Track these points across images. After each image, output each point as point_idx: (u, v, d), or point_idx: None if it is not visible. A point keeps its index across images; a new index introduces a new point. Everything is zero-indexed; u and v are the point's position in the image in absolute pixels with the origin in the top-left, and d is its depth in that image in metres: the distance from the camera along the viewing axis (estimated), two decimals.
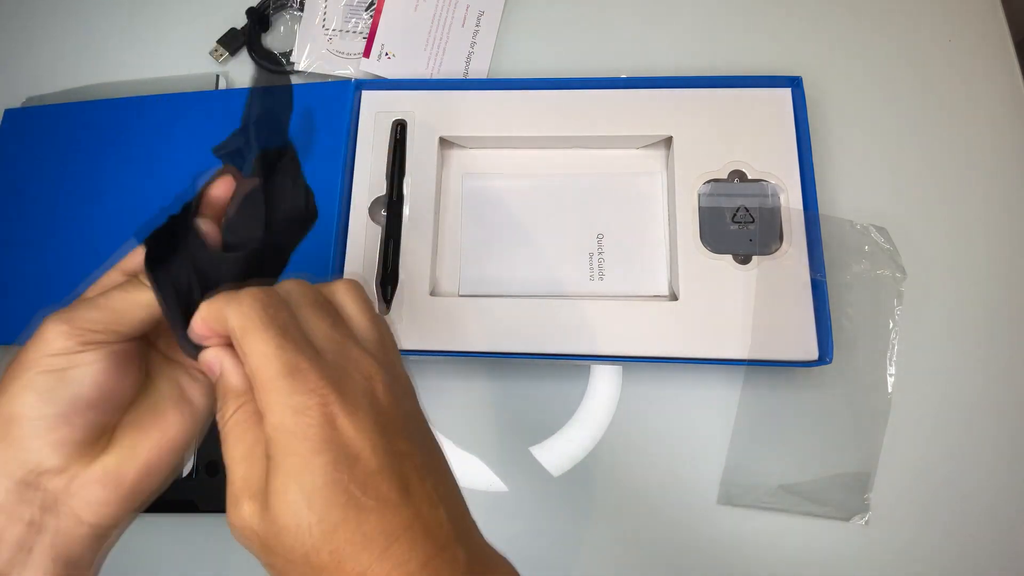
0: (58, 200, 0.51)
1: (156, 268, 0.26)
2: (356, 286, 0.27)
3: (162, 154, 0.51)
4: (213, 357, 0.25)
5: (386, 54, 0.53)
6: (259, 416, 0.23)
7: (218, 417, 0.24)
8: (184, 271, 0.26)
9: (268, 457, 0.22)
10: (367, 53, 0.53)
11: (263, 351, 0.22)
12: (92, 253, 0.49)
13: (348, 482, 0.21)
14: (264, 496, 0.22)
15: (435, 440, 0.25)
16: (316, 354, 0.23)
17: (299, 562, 0.21)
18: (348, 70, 0.53)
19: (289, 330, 0.23)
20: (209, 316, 0.24)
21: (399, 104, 0.48)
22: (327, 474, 0.21)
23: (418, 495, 0.22)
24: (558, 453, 0.44)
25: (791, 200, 0.44)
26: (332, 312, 0.25)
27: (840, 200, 0.47)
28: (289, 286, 0.25)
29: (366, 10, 0.54)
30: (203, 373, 0.25)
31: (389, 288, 0.44)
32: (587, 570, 0.42)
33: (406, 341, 0.43)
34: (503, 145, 0.48)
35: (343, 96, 0.48)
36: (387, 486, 0.22)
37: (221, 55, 0.55)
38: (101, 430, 0.25)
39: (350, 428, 0.22)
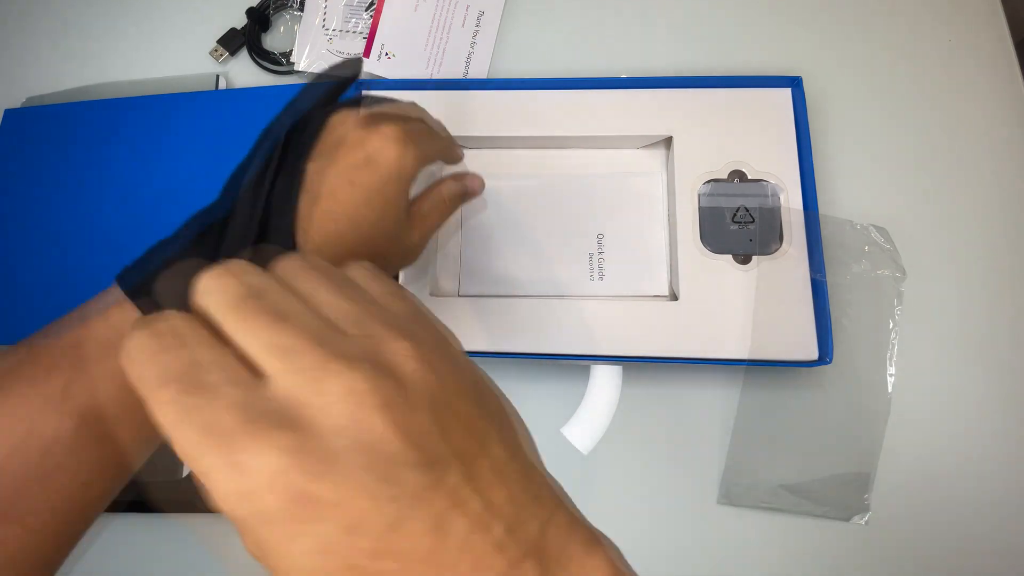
0: (58, 200, 0.51)
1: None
2: (373, 268, 0.22)
3: (162, 154, 0.51)
4: None
5: (386, 54, 0.53)
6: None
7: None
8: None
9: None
10: (367, 53, 0.53)
11: (264, 337, 0.17)
12: (92, 253, 0.49)
13: (353, 554, 0.16)
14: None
15: (500, 403, 0.21)
16: (336, 339, 0.18)
17: None
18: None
19: (288, 318, 0.18)
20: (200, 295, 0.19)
21: None
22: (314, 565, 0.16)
23: (457, 528, 0.17)
24: (558, 453, 0.44)
25: (791, 200, 0.43)
26: (355, 289, 0.20)
27: (840, 200, 0.47)
28: (286, 263, 0.20)
29: (366, 10, 0.54)
30: None
31: None
32: None
33: None
34: (503, 145, 0.48)
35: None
36: (419, 528, 0.16)
37: (221, 55, 0.55)
38: None
39: (387, 424, 0.16)
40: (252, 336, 0.17)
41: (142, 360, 0.17)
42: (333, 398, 0.16)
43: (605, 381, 0.45)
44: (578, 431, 0.44)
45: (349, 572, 0.16)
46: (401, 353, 0.18)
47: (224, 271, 0.18)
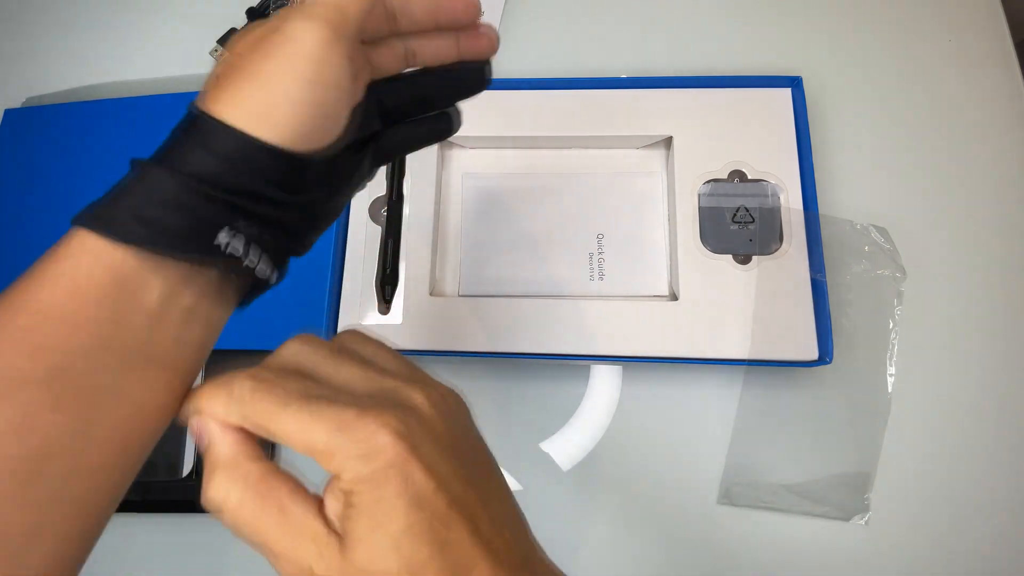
0: (58, 200, 0.51)
1: None
2: (359, 331, 0.26)
3: None
4: (200, 426, 0.23)
5: None
6: (265, 475, 0.22)
7: (211, 505, 0.22)
8: None
9: (348, 507, 0.21)
10: None
11: (298, 427, 0.21)
12: None
13: (431, 519, 0.21)
14: (336, 551, 0.21)
15: (489, 456, 0.25)
16: (355, 398, 0.22)
17: None
18: None
19: (311, 391, 0.22)
20: (204, 412, 0.22)
21: None
22: (410, 515, 0.21)
23: (484, 522, 0.22)
24: (558, 453, 0.44)
25: (791, 200, 0.44)
26: (352, 356, 0.24)
27: (840, 200, 0.47)
28: (294, 346, 0.24)
29: None
30: None
31: (389, 288, 0.44)
32: (587, 570, 0.42)
33: (406, 341, 0.43)
34: (503, 145, 0.48)
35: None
36: (459, 521, 0.22)
37: (221, 55, 0.55)
38: None
39: (417, 464, 0.21)
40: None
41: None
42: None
43: (605, 381, 0.45)
44: (578, 432, 0.44)
45: (429, 532, 0.21)
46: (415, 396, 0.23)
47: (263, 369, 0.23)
